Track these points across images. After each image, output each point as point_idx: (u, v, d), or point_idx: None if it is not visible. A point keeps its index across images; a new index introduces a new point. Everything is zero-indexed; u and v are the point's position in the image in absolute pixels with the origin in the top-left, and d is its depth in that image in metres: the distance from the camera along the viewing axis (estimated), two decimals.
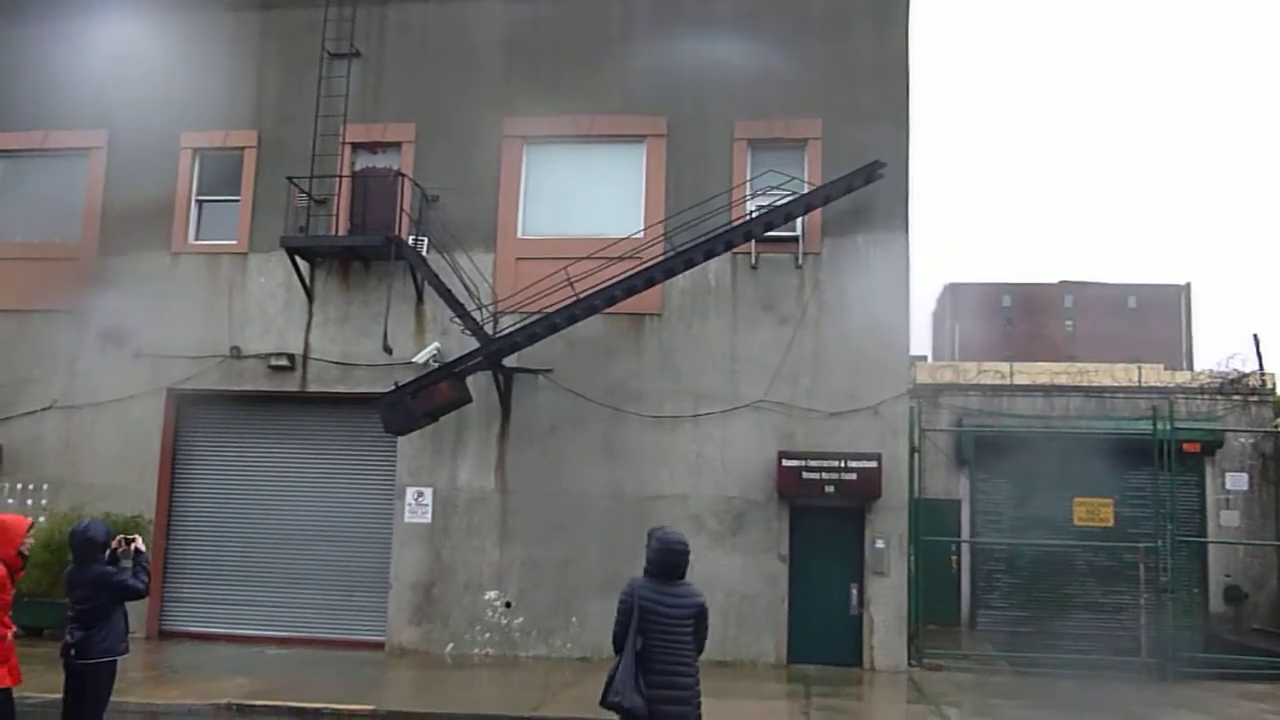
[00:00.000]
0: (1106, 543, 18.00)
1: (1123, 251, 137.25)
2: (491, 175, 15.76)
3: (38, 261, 16.69)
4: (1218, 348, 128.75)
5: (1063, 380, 21.76)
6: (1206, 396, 19.82)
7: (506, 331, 14.56)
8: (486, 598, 14.96)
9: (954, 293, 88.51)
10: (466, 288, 15.10)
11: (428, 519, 15.21)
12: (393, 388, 14.22)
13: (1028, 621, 18.47)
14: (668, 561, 6.16)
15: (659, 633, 6.03)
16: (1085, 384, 20.89)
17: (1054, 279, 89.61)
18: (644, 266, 14.19)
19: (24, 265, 16.64)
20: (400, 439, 15.01)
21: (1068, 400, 19.90)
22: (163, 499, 15.90)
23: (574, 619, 14.67)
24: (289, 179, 15.65)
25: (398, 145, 16.01)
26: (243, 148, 16.35)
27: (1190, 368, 36.22)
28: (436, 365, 14.67)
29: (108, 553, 7.36)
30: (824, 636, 14.34)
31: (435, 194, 15.68)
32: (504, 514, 15.08)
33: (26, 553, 6.85)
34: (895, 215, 14.80)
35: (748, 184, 14.98)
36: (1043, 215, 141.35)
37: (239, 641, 15.17)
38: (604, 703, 6.07)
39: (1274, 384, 20.03)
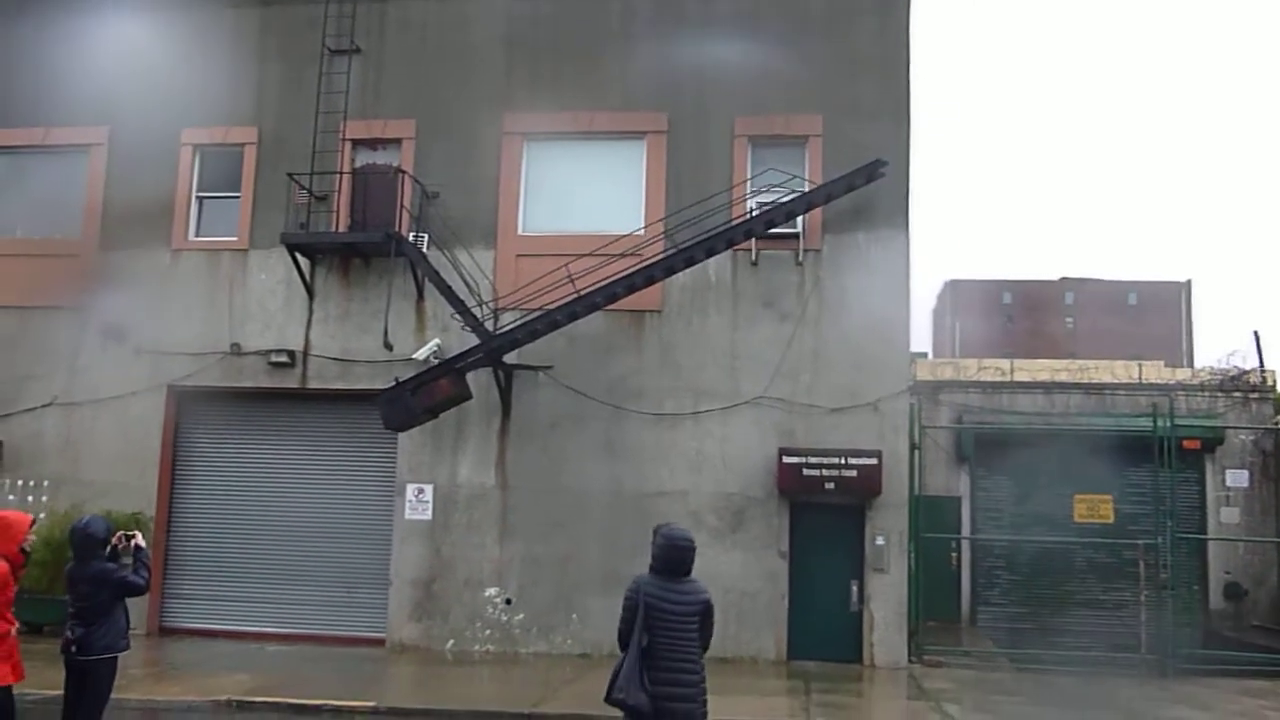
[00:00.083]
0: (1106, 539, 18.02)
1: (1123, 248, 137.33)
2: (492, 172, 15.76)
3: (38, 258, 16.70)
4: (1218, 345, 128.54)
5: (1063, 377, 21.80)
6: (1207, 393, 19.84)
7: (507, 328, 14.57)
8: (487, 594, 14.98)
9: (954, 289, 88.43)
10: (467, 284, 15.10)
11: (428, 515, 15.22)
12: (393, 384, 14.23)
13: (1028, 618, 18.52)
14: (673, 558, 6.14)
15: (664, 629, 6.02)
16: (1086, 381, 20.93)
17: (1054, 276, 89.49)
18: (645, 264, 14.19)
19: (25, 262, 16.65)
20: (400, 435, 15.01)
21: (1068, 397, 19.90)
22: (163, 495, 15.92)
23: (574, 615, 14.68)
24: (289, 175, 15.64)
25: (398, 142, 16.01)
26: (243, 144, 16.36)
27: (1191, 365, 36.29)
28: (437, 362, 14.68)
29: (108, 549, 7.36)
30: (824, 633, 14.36)
31: (435, 190, 15.68)
32: (504, 510, 15.10)
33: (28, 549, 6.85)
34: (896, 212, 14.80)
35: (748, 181, 14.98)
36: (1043, 212, 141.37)
37: (239, 638, 15.18)
38: (609, 699, 6.06)
39: (1274, 381, 20.05)
